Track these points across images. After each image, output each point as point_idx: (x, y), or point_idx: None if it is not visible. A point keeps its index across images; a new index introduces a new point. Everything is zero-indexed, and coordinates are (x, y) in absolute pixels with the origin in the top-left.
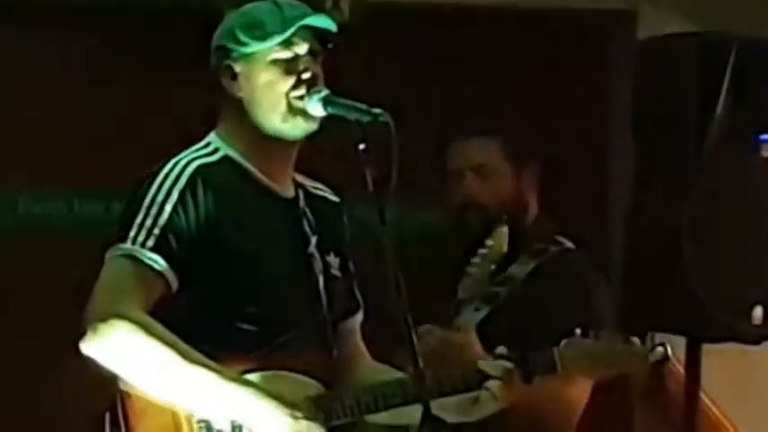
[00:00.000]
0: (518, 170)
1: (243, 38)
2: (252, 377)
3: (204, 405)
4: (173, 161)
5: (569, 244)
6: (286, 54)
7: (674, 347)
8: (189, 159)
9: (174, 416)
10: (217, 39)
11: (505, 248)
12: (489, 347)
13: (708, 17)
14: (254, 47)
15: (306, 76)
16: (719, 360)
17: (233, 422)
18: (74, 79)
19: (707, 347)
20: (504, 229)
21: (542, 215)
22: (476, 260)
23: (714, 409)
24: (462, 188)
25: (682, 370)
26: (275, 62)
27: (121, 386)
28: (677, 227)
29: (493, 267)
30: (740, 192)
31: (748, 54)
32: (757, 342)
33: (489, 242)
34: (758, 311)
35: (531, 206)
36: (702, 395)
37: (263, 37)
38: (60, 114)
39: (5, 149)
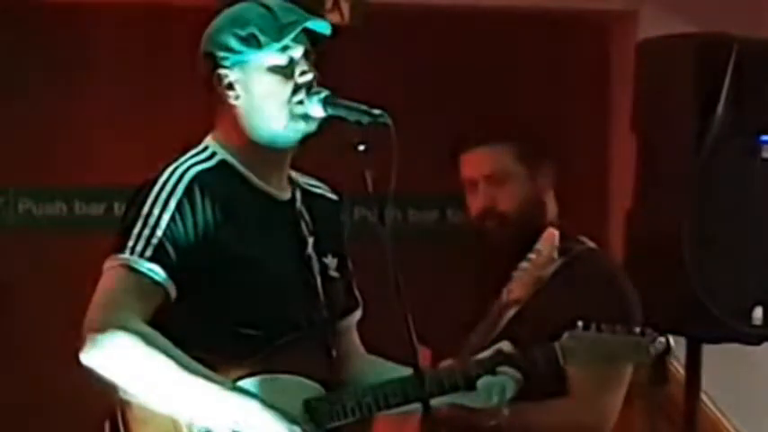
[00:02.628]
0: (532, 172)
1: (236, 46)
2: (252, 381)
3: (204, 415)
4: (170, 168)
5: (592, 244)
6: (282, 60)
7: (674, 348)
8: (186, 167)
9: (175, 425)
10: (206, 45)
11: (555, 254)
12: (517, 346)
13: (708, 17)
14: (249, 55)
15: (303, 79)
16: (719, 360)
17: (232, 430)
18: (75, 78)
19: (707, 347)
20: (555, 233)
21: (562, 214)
22: (524, 264)
23: (714, 409)
24: (477, 197)
25: (682, 370)
26: (272, 69)
27: (121, 395)
28: (677, 227)
29: (541, 273)
30: (740, 192)
31: (748, 54)
32: (757, 342)
33: (539, 246)
34: (758, 312)
35: (549, 206)
36: (702, 395)
37: (259, 45)
38: (61, 114)
39: (6, 149)
